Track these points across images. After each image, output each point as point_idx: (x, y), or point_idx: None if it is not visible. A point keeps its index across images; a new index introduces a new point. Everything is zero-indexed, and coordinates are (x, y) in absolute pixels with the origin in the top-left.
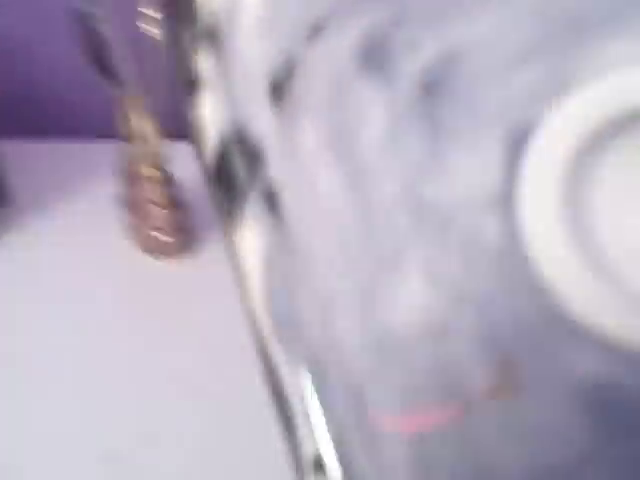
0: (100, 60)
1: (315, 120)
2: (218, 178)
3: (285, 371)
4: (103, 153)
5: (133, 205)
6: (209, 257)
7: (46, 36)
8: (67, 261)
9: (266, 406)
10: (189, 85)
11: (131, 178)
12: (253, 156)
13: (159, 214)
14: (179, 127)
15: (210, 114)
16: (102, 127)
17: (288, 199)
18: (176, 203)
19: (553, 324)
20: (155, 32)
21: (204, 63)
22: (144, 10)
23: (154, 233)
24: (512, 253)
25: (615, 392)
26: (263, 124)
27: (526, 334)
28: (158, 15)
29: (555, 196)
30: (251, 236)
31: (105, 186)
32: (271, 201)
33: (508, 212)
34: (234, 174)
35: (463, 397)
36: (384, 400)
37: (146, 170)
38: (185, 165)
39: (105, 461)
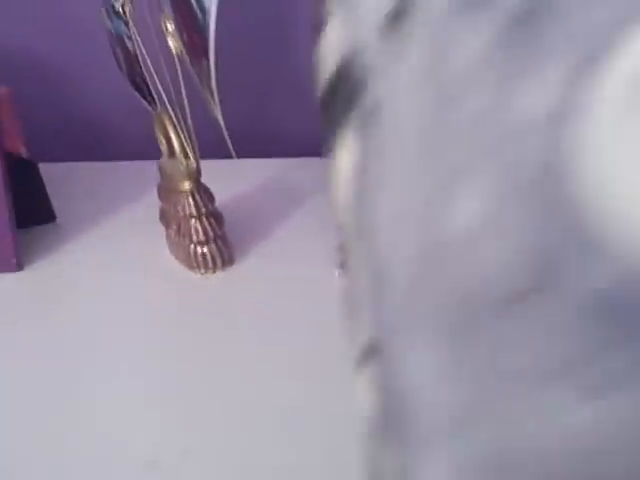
0: (136, 79)
1: (419, 50)
2: (326, 103)
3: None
4: (144, 171)
5: (174, 221)
6: (249, 270)
7: (85, 59)
8: (110, 277)
9: (311, 423)
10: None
11: (171, 194)
12: (358, 83)
13: (199, 228)
14: (216, 144)
15: (329, 44)
16: (142, 146)
17: (385, 117)
18: (215, 217)
19: (581, 240)
20: (177, 47)
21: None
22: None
23: (195, 247)
24: (557, 171)
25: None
26: (372, 53)
27: (558, 247)
28: None
29: (618, 116)
30: (347, 153)
31: (147, 204)
32: (369, 122)
33: (566, 130)
34: (340, 99)
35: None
36: None
37: (185, 185)
38: (223, 182)
39: (147, 470)
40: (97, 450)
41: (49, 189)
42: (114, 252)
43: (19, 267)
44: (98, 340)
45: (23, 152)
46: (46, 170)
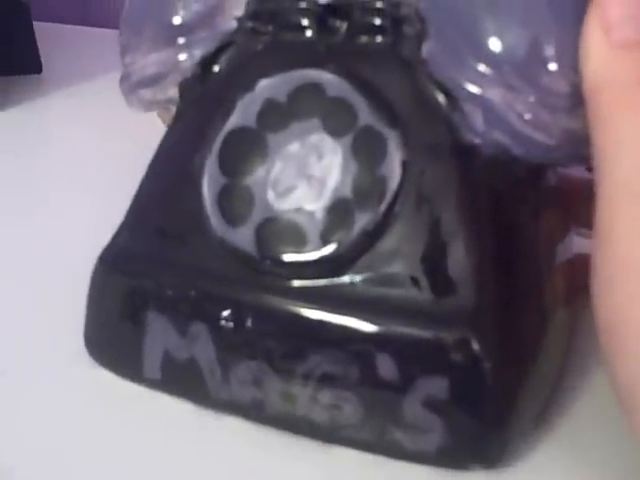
0: None
1: None
2: None
3: None
4: None
5: None
6: None
7: None
8: (86, 137)
9: None
10: None
11: None
12: None
13: None
14: None
15: None
16: None
17: None
18: None
19: None
20: None
21: None
22: None
23: None
24: None
25: None
26: None
27: None
28: None
29: None
30: None
31: None
32: None
33: None
34: None
35: None
36: None
37: None
38: None
39: None
40: None
41: (41, 47)
42: (95, 113)
43: None
44: (59, 195)
45: None
46: (39, 28)
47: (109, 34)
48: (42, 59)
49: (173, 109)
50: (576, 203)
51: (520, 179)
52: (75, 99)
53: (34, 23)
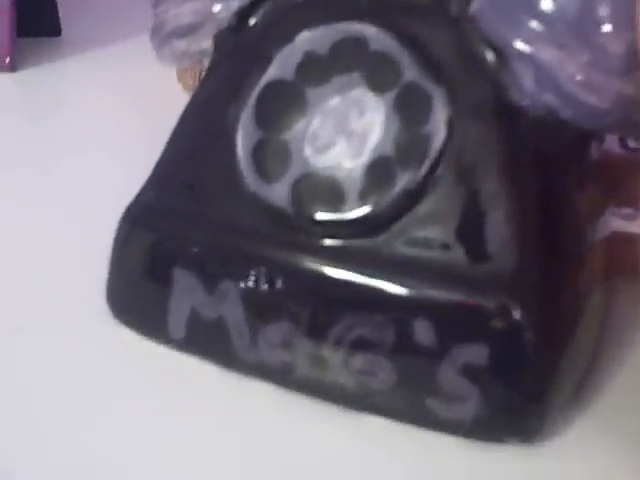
0: None
1: None
2: None
3: None
4: None
5: None
6: None
7: None
8: (104, 100)
9: None
10: None
11: None
12: None
13: None
14: None
15: None
16: None
17: None
18: None
19: None
20: None
21: None
22: None
23: None
24: None
25: None
26: None
27: None
28: None
29: None
30: None
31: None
32: None
33: None
34: None
35: None
36: None
37: None
38: None
39: None
40: None
41: (62, 10)
42: (113, 77)
43: (12, 68)
44: (77, 156)
45: None
46: None
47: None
48: (62, 21)
49: (205, 63)
50: (617, 180)
51: (566, 145)
52: (93, 63)
53: None
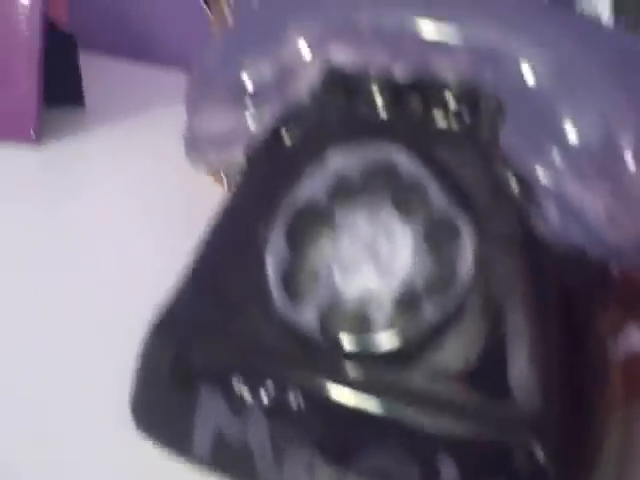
0: None
1: None
2: None
3: None
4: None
5: None
6: None
7: None
8: (125, 173)
9: None
10: None
11: None
12: None
13: None
14: None
15: None
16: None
17: None
18: None
19: None
20: None
21: None
22: None
23: None
24: None
25: None
26: None
27: None
28: None
29: None
30: None
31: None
32: None
33: None
34: None
35: None
36: None
37: None
38: None
39: None
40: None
41: (86, 80)
42: (135, 150)
43: (37, 141)
44: (99, 230)
45: (65, 23)
46: (86, 60)
47: (157, 72)
48: (86, 92)
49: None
50: (636, 299)
51: (591, 277)
52: (117, 134)
53: (82, 55)
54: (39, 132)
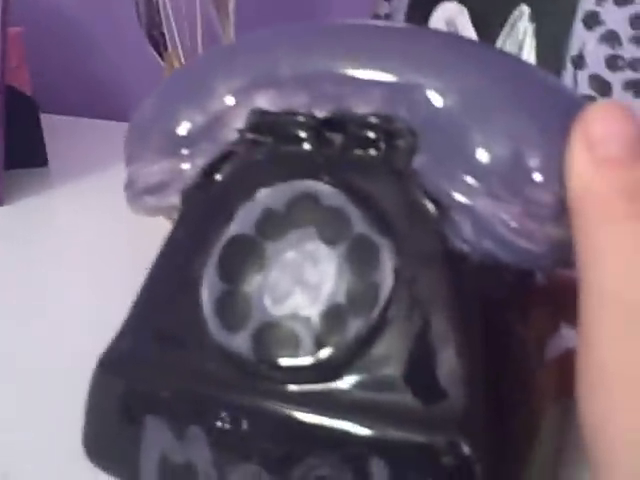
0: (153, 32)
1: None
2: None
3: None
4: None
5: None
6: None
7: (104, 14)
8: (91, 229)
9: None
10: None
11: None
12: None
13: None
14: None
15: None
16: None
17: None
18: None
19: None
20: None
21: None
22: None
23: None
24: None
25: None
26: None
27: None
28: None
29: None
30: None
31: None
32: None
33: None
34: None
35: None
36: None
37: None
38: None
39: None
40: None
41: (47, 139)
42: (99, 207)
43: (0, 202)
44: (62, 289)
45: (27, 89)
46: (47, 121)
47: (115, 126)
48: (49, 151)
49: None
50: (566, 300)
51: (509, 283)
52: (80, 191)
53: (42, 115)
54: (2, 193)
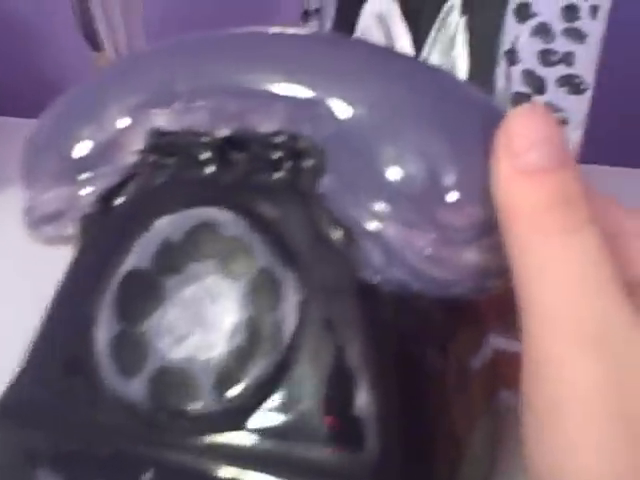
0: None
1: None
2: None
3: None
4: None
5: None
6: None
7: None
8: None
9: None
10: None
11: None
12: None
13: None
14: None
15: None
16: None
17: None
18: None
19: None
20: None
21: None
22: None
23: None
24: None
25: None
26: None
27: None
28: None
29: None
30: None
31: None
32: None
33: None
34: None
35: None
36: None
37: None
38: None
39: None
40: None
41: None
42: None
43: None
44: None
45: None
46: None
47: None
48: None
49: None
50: (491, 313)
51: (426, 310)
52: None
53: None
54: None
